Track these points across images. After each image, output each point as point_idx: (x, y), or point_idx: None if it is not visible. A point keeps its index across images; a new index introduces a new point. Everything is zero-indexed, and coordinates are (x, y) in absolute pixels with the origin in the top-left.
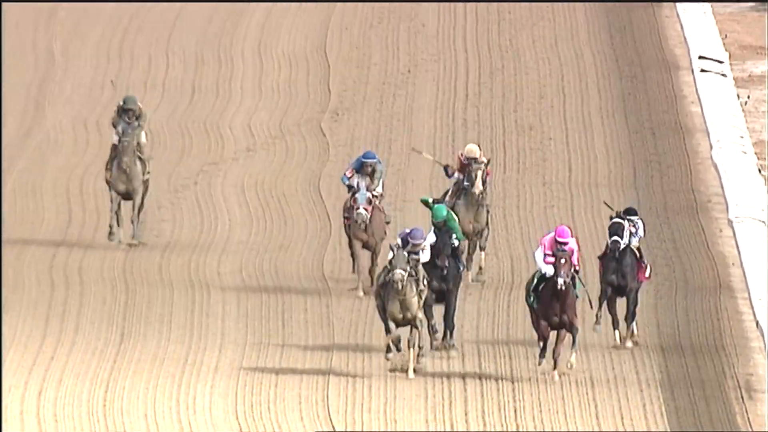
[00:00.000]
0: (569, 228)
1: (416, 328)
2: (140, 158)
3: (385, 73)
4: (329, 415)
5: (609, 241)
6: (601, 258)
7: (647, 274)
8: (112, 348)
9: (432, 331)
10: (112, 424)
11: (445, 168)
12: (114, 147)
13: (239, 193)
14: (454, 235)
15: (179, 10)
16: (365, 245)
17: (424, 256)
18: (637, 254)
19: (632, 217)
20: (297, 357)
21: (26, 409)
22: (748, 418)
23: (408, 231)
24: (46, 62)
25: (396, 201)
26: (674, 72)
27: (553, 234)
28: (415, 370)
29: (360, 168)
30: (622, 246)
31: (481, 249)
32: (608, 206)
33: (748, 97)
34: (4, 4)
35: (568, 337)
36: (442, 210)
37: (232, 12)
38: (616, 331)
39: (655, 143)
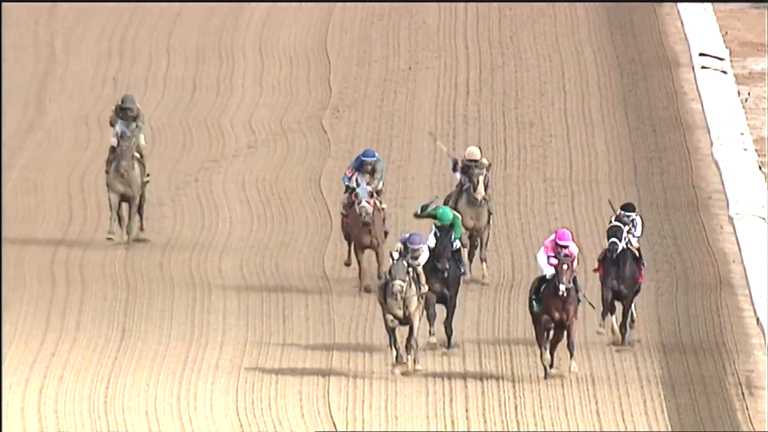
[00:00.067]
0: (570, 231)
1: (414, 327)
2: (139, 161)
3: (386, 70)
4: (330, 412)
5: (607, 243)
6: (601, 261)
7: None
8: (113, 345)
9: (430, 333)
10: (113, 421)
11: (454, 162)
12: (113, 149)
13: (240, 190)
14: (453, 236)
15: (180, 6)
16: (365, 245)
17: (422, 257)
18: (637, 255)
19: (630, 214)
20: (298, 354)
21: (27, 406)
22: (749, 415)
23: (407, 236)
24: (47, 59)
25: (397, 198)
26: (675, 69)
27: (553, 236)
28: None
29: (360, 166)
30: (620, 248)
31: (482, 260)
32: (611, 206)
33: (749, 94)
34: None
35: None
36: (448, 213)
37: (232, 9)
38: (612, 333)
39: (656, 140)
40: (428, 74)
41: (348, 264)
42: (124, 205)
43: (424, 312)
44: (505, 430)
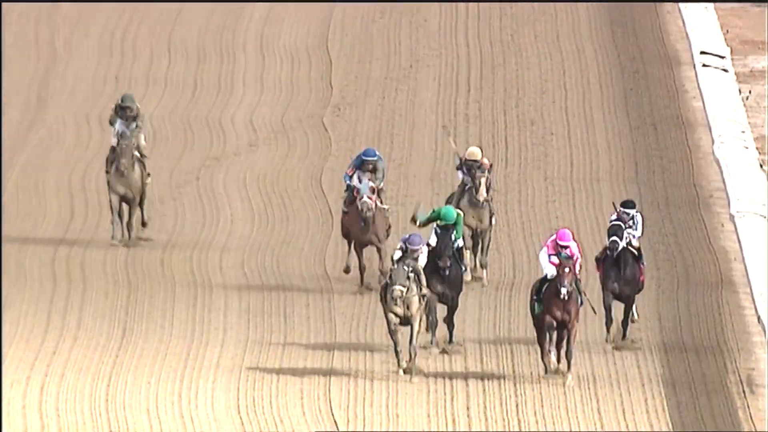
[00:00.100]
0: (570, 231)
1: (414, 330)
2: (140, 161)
3: (387, 69)
4: (331, 411)
5: (608, 242)
6: (600, 260)
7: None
8: (114, 343)
9: (431, 342)
10: (114, 419)
11: (460, 160)
12: (113, 148)
13: (241, 188)
14: (455, 236)
15: (181, 4)
16: (365, 243)
17: (422, 258)
18: (636, 254)
19: (630, 211)
20: (299, 352)
21: (28, 404)
22: (750, 414)
23: (407, 237)
24: (48, 56)
25: (398, 196)
26: (676, 67)
27: (554, 237)
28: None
29: (361, 165)
30: (621, 246)
31: (482, 267)
32: (615, 207)
33: (750, 92)
34: None
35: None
36: (452, 212)
37: (233, 7)
38: (610, 334)
39: (657, 138)
40: (429, 72)
41: (347, 271)
42: (125, 206)
43: (425, 316)
44: (507, 428)
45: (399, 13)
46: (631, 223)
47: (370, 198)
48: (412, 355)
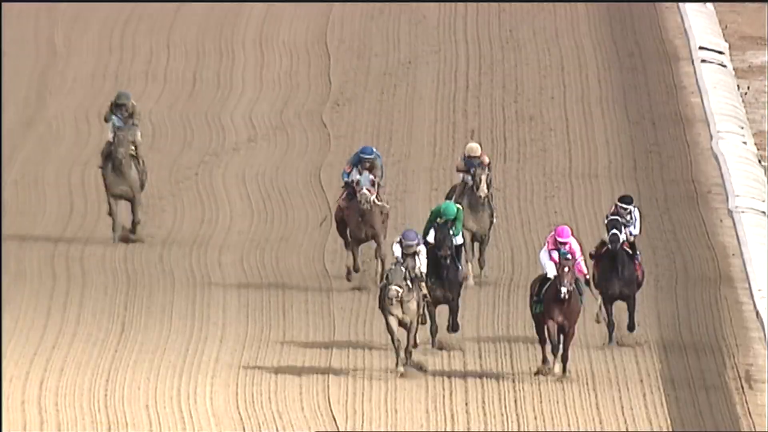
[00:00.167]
0: (569, 227)
1: (413, 331)
2: (136, 158)
3: (386, 64)
4: (330, 406)
5: (608, 235)
6: (596, 258)
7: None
8: (114, 338)
9: (432, 338)
10: (113, 414)
11: (464, 162)
12: (108, 144)
13: (240, 184)
14: (454, 231)
15: (180, 1)
16: (361, 238)
17: (423, 261)
18: (631, 252)
19: (627, 206)
20: (298, 348)
21: (28, 399)
22: (748, 409)
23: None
24: (47, 53)
25: (396, 192)
26: (674, 63)
27: (553, 233)
28: (408, 366)
29: (359, 163)
30: (622, 240)
31: (481, 267)
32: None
33: (748, 87)
34: None
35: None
36: (453, 207)
37: (232, 3)
38: (611, 332)
39: (656, 134)
40: (428, 68)
41: (349, 279)
42: (124, 206)
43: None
44: (505, 423)
45: (398, 9)
46: (628, 218)
47: (369, 190)
48: (410, 356)
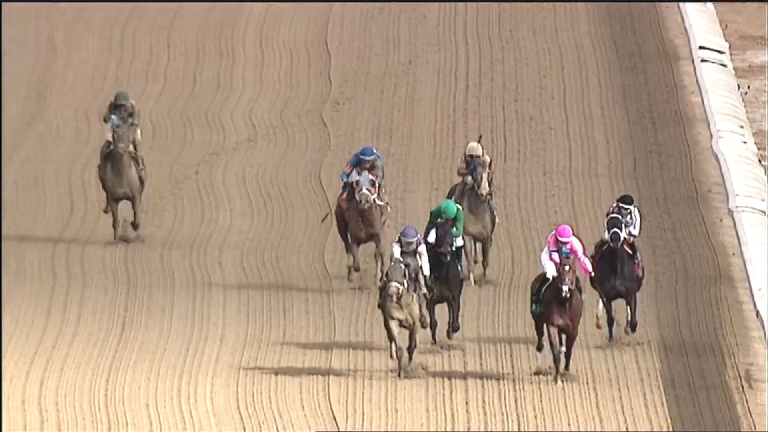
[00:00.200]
0: (570, 226)
1: (415, 333)
2: (134, 158)
3: (386, 64)
4: (330, 405)
5: (609, 234)
6: (595, 257)
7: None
8: (114, 338)
9: (432, 333)
10: (114, 414)
11: (466, 163)
12: (107, 144)
13: (240, 184)
14: (455, 230)
15: (180, 1)
16: (361, 238)
17: (425, 266)
18: (631, 252)
19: (628, 206)
20: (298, 347)
21: (28, 399)
22: (749, 408)
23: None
24: (47, 52)
25: (397, 191)
26: (674, 62)
27: (554, 233)
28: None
29: (358, 164)
30: (622, 238)
31: (484, 267)
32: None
33: (749, 87)
34: None
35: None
36: (453, 206)
37: (232, 3)
38: (611, 329)
39: (656, 133)
40: (428, 68)
41: (350, 279)
42: (123, 205)
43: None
44: (505, 422)
45: (398, 8)
46: (629, 218)
47: (369, 190)
48: (412, 358)
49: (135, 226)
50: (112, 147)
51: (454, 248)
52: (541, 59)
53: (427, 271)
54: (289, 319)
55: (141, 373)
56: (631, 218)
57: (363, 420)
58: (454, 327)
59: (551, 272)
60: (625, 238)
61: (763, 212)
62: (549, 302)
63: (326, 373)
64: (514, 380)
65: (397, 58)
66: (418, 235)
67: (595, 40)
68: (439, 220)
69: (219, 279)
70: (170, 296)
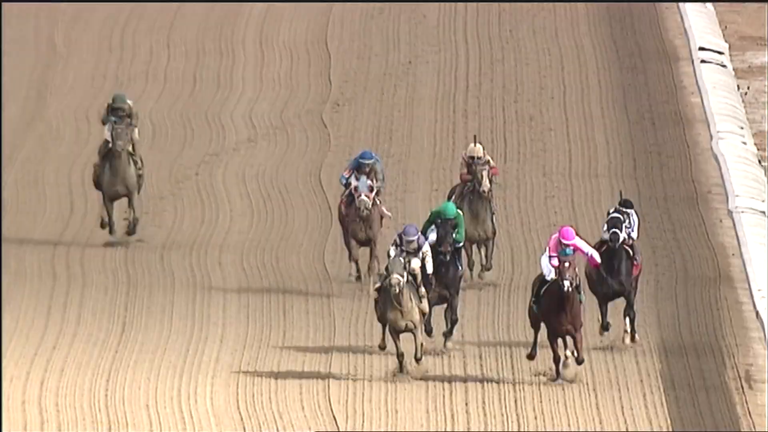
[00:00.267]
0: (573, 228)
1: (416, 336)
2: (132, 157)
3: (386, 64)
4: (330, 406)
5: (608, 234)
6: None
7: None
8: (114, 338)
9: (428, 330)
10: (114, 414)
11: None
12: (105, 143)
13: (240, 184)
14: (456, 232)
15: (180, 1)
16: (362, 241)
17: (429, 267)
18: (631, 253)
19: (629, 210)
20: (298, 348)
21: (28, 399)
22: (748, 409)
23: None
24: (47, 53)
25: (397, 192)
26: (674, 63)
27: (557, 235)
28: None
29: (358, 168)
30: (622, 239)
31: (486, 269)
32: (621, 195)
33: (748, 87)
34: None
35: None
36: (452, 207)
37: (232, 3)
38: (606, 332)
39: (655, 134)
40: (428, 68)
41: (351, 279)
42: (121, 204)
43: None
44: (505, 423)
45: (398, 9)
46: (627, 222)
47: (367, 196)
48: (417, 348)
49: (130, 232)
50: (110, 146)
51: (452, 249)
52: (541, 59)
53: (430, 270)
54: (289, 319)
55: (141, 373)
56: (630, 223)
57: (363, 420)
58: (452, 320)
59: (550, 275)
60: (624, 239)
61: (763, 213)
62: (549, 304)
63: (326, 373)
64: (513, 381)
65: (397, 59)
66: (418, 234)
67: (595, 41)
68: (438, 220)
69: (219, 279)
70: (170, 296)
